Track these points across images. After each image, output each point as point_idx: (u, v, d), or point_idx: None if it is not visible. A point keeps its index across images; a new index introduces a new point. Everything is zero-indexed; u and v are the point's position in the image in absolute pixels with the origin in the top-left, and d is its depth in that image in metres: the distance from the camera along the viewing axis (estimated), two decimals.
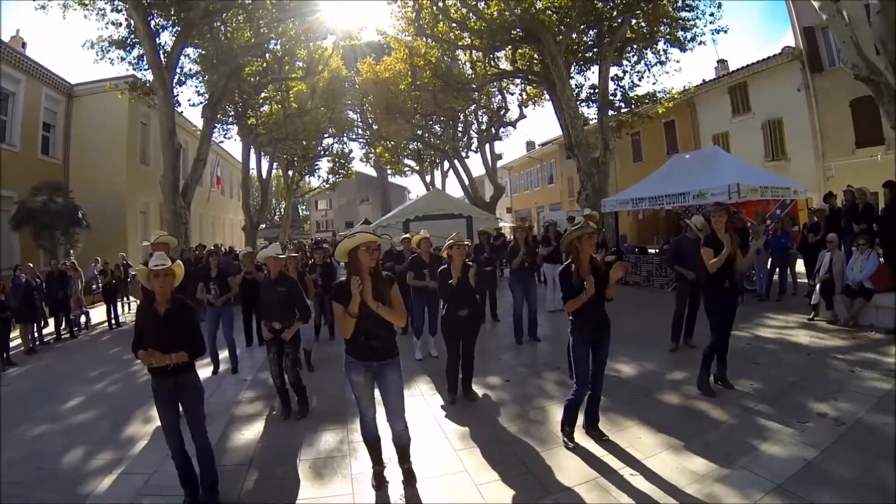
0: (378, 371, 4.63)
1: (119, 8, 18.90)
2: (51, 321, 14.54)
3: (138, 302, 5.31)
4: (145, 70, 20.36)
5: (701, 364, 6.57)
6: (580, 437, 5.47)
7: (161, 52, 18.93)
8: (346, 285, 4.50)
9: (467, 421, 6.28)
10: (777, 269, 12.58)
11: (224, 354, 9.54)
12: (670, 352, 8.63)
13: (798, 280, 12.79)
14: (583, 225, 5.30)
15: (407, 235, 11.69)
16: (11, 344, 12.24)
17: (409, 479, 4.83)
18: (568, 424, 5.47)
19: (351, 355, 4.63)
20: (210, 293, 9.26)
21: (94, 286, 17.75)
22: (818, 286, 9.94)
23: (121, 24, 19.54)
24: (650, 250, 18.21)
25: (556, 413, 5.84)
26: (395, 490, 4.77)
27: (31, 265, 14.12)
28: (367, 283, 4.36)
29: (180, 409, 4.68)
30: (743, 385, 6.63)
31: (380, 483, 4.84)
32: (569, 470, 4.91)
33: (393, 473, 4.94)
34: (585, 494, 4.46)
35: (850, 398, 5.95)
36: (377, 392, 4.74)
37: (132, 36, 19.54)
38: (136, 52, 20.13)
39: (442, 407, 6.89)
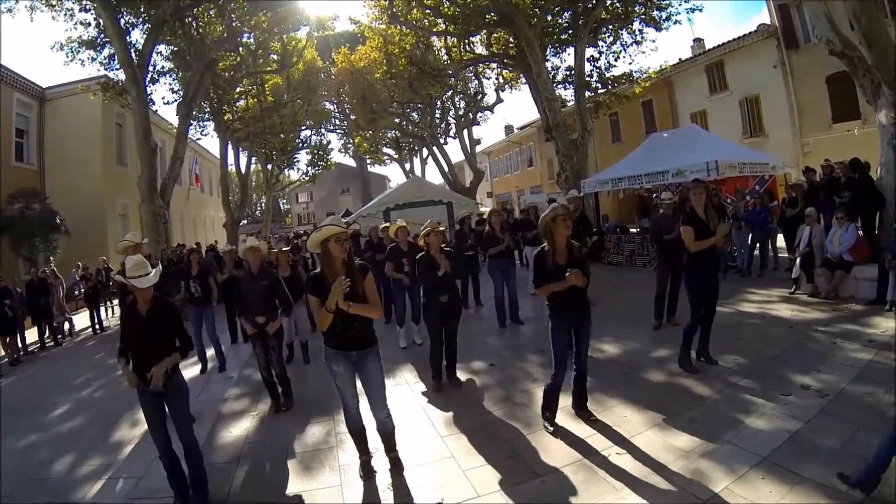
0: (358, 360, 4.61)
1: (87, 7, 18.68)
2: (34, 330, 14.34)
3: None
4: (117, 70, 20.10)
5: (682, 341, 6.60)
6: (566, 418, 5.48)
7: (132, 50, 18.68)
8: (321, 277, 4.51)
9: (452, 407, 6.28)
10: (758, 245, 12.62)
11: (210, 353, 9.50)
12: (654, 330, 8.65)
13: (779, 255, 12.85)
14: (555, 207, 5.26)
15: (385, 225, 11.62)
16: None
17: (396, 467, 4.83)
18: (547, 409, 5.47)
19: (330, 346, 4.61)
20: (192, 291, 9.20)
21: (75, 292, 17.57)
22: (798, 260, 9.99)
23: (90, 24, 19.32)
24: (631, 230, 18.28)
25: (541, 395, 5.78)
26: (383, 480, 4.76)
27: None
28: (340, 284, 4.28)
29: (166, 409, 4.63)
30: (726, 360, 6.65)
31: (367, 473, 4.83)
32: (556, 452, 4.92)
33: (380, 463, 4.93)
34: (573, 475, 4.47)
35: (832, 370, 5.97)
36: (359, 382, 4.72)
37: (102, 35, 19.29)
38: (106, 52, 19.89)
39: (426, 394, 6.89)
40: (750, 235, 12.60)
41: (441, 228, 7.27)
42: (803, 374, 5.91)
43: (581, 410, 5.53)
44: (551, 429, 5.35)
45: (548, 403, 5.46)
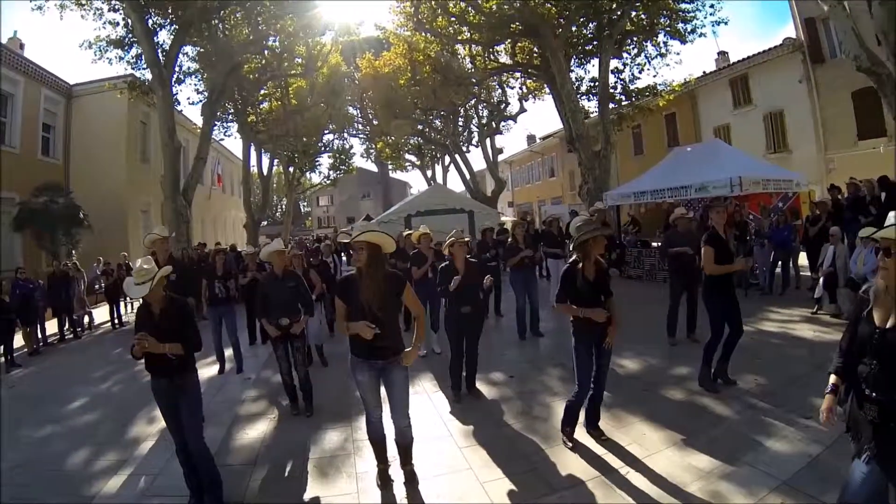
0: (384, 369, 4.60)
1: (116, 7, 18.92)
2: (54, 322, 14.53)
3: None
4: (144, 69, 20.33)
5: (702, 359, 6.56)
6: (584, 434, 5.46)
7: (159, 50, 18.91)
8: (350, 283, 4.55)
9: (471, 418, 6.27)
10: (780, 263, 12.52)
11: (228, 353, 9.56)
12: (671, 346, 8.61)
13: (801, 273, 12.74)
14: (597, 226, 5.25)
15: (408, 231, 11.65)
16: (15, 345, 12.22)
17: (411, 481, 4.83)
18: (568, 425, 5.44)
19: (356, 354, 4.60)
20: (216, 292, 9.27)
21: (96, 286, 17.80)
22: (821, 279, 9.91)
23: (118, 24, 19.53)
24: (652, 244, 18.18)
25: (560, 409, 5.76)
26: (401, 489, 4.77)
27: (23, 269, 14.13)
28: (367, 332, 4.33)
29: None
30: (746, 381, 6.60)
31: (385, 482, 4.84)
32: (574, 467, 4.91)
33: (398, 472, 4.93)
34: (591, 492, 4.46)
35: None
36: (383, 390, 4.72)
37: (130, 35, 19.50)
38: (134, 52, 20.11)
39: (444, 404, 6.88)
40: (772, 253, 12.50)
41: (466, 239, 7.25)
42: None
43: (592, 429, 5.50)
44: (570, 444, 5.33)
45: (569, 419, 5.44)
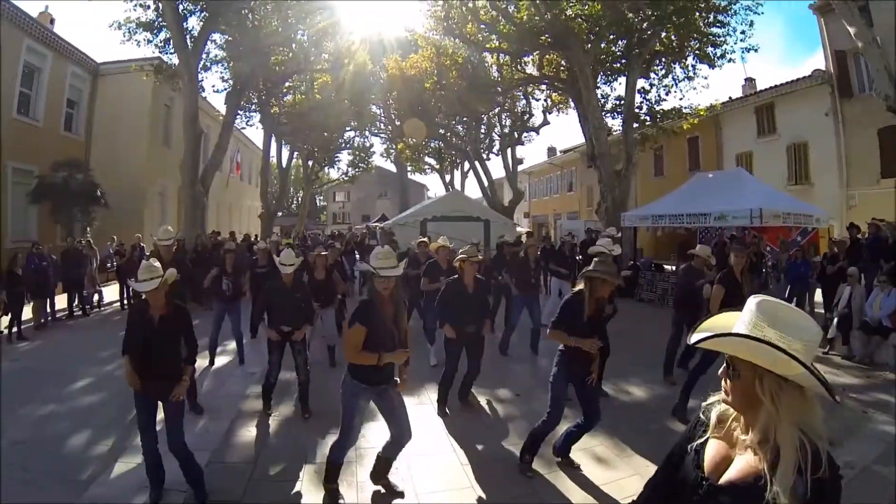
0: (384, 391, 4.64)
1: None
2: (63, 297, 14.62)
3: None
4: (171, 53, 20.45)
5: (683, 386, 6.61)
6: (589, 461, 5.45)
7: (188, 36, 19.05)
8: (371, 307, 4.51)
9: (476, 435, 6.26)
10: (795, 299, 12.35)
11: (231, 346, 9.69)
12: (670, 384, 8.19)
13: (815, 311, 12.58)
14: (611, 270, 5.18)
15: (424, 239, 11.57)
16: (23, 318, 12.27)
17: (389, 489, 4.94)
18: (528, 452, 5.37)
19: (361, 380, 4.57)
20: (224, 288, 9.36)
21: (108, 265, 17.92)
22: (835, 320, 9.81)
23: (149, 7, 19.61)
24: (666, 267, 18.10)
25: (565, 434, 5.78)
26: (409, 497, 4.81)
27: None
28: (400, 358, 4.51)
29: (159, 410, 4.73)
30: None
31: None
32: (574, 494, 4.92)
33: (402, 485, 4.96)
34: None
35: (861, 440, 5.87)
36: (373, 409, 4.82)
37: (160, 19, 19.56)
38: (162, 36, 20.15)
39: (449, 418, 6.84)
40: (788, 288, 12.38)
41: (479, 257, 7.21)
42: (831, 443, 5.75)
43: (564, 458, 5.48)
44: (530, 474, 5.27)
45: (532, 445, 5.36)
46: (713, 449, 1.78)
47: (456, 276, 7.05)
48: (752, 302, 1.69)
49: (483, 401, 7.37)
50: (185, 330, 4.77)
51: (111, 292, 16.98)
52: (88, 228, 19.56)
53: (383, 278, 4.45)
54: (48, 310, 13.48)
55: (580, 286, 5.20)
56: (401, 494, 4.87)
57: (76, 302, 14.81)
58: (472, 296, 6.83)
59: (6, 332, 11.73)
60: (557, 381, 5.22)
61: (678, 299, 8.96)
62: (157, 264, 4.69)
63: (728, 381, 1.73)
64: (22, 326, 11.95)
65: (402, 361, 4.49)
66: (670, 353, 8.49)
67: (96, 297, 15.92)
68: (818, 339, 1.63)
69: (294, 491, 5.03)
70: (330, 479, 4.87)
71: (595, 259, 5.24)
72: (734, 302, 6.23)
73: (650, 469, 5.13)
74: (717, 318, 1.83)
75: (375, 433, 5.74)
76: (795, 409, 1.57)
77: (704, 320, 1.83)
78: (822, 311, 11.89)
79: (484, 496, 4.89)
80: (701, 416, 1.88)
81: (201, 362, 9.10)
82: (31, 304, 12.92)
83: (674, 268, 17.65)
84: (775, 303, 1.67)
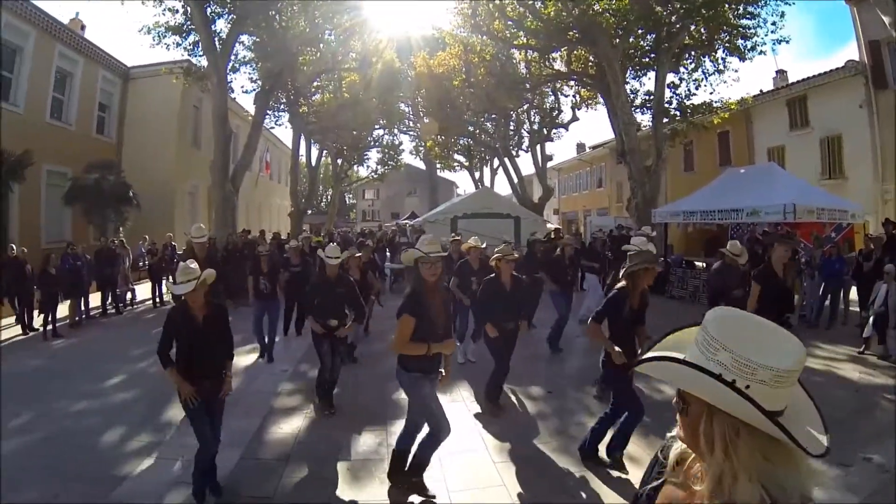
0: (434, 381, 4.72)
1: None
2: (97, 296, 14.92)
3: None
4: (200, 56, 20.83)
5: None
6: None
7: (216, 38, 19.31)
8: (420, 298, 4.57)
9: (507, 433, 6.29)
10: (829, 296, 12.19)
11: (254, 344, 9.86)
12: None
13: (850, 308, 12.42)
14: (650, 258, 5.23)
15: (457, 237, 11.57)
16: (58, 316, 12.47)
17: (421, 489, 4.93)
18: (619, 450, 5.38)
19: (419, 371, 4.62)
20: (262, 287, 9.55)
21: (140, 264, 18.32)
22: (871, 319, 9.61)
23: (177, 11, 19.91)
24: (697, 263, 17.89)
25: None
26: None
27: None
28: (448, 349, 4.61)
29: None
30: None
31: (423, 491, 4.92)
32: (605, 493, 4.92)
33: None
34: None
35: None
36: None
37: (188, 22, 19.88)
38: (191, 39, 20.49)
39: (480, 416, 6.89)
40: (822, 285, 12.17)
41: (515, 255, 7.21)
42: (866, 444, 5.70)
43: (616, 453, 5.43)
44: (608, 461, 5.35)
45: (622, 442, 5.40)
46: (665, 497, 1.45)
47: (493, 275, 7.07)
48: (707, 315, 1.34)
49: (514, 399, 7.37)
50: (225, 324, 4.87)
51: (144, 290, 17.31)
52: (121, 228, 19.84)
53: (430, 264, 4.51)
54: (82, 308, 13.75)
55: (622, 283, 5.26)
56: (432, 497, 4.88)
57: (109, 300, 15.12)
58: (510, 294, 6.86)
59: (41, 329, 12.03)
60: (617, 377, 5.20)
61: (711, 298, 8.92)
62: (194, 265, 4.74)
63: (678, 414, 1.38)
64: (57, 325, 12.17)
65: (451, 352, 4.57)
66: None
67: (129, 295, 16.26)
68: (798, 367, 1.24)
69: (326, 490, 5.06)
70: (395, 471, 4.98)
71: (629, 254, 5.26)
72: (775, 299, 6.16)
73: None
74: (683, 333, 1.45)
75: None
76: (757, 459, 1.21)
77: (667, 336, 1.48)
78: (858, 309, 11.69)
79: (515, 495, 4.91)
80: (659, 454, 1.51)
81: (248, 359, 9.32)
82: (68, 302, 13.17)
83: (704, 265, 17.43)
84: (738, 316, 1.32)
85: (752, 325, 1.29)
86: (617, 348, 5.03)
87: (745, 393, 1.18)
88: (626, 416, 5.28)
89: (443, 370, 4.79)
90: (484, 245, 9.38)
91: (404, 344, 4.53)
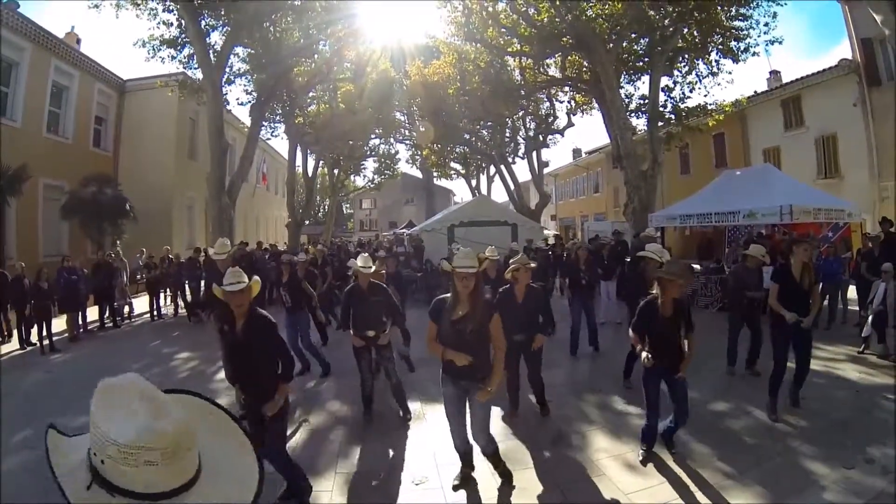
0: (469, 388, 4.76)
1: (170, 8, 19.40)
2: (94, 309, 14.90)
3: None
4: (195, 68, 20.92)
5: (769, 391, 6.67)
6: (618, 469, 5.45)
7: (211, 51, 19.39)
8: (443, 305, 4.78)
9: (506, 440, 6.21)
10: (828, 296, 12.09)
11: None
12: (728, 376, 8.56)
13: (849, 308, 12.37)
14: (683, 271, 5.43)
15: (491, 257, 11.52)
16: (55, 330, 12.43)
17: (506, 478, 5.16)
18: (644, 443, 5.68)
19: (445, 372, 4.83)
20: (283, 301, 9.45)
21: (138, 276, 18.31)
22: (870, 318, 9.58)
23: (172, 24, 20.04)
24: (695, 266, 17.86)
25: (596, 440, 5.99)
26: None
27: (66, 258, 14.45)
28: (463, 360, 4.57)
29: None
30: (787, 422, 6.47)
31: (463, 482, 5.18)
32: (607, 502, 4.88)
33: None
34: None
35: None
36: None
37: (183, 35, 20.00)
38: (186, 51, 20.63)
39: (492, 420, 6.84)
40: (820, 286, 12.11)
41: (532, 265, 7.12)
42: (868, 445, 5.67)
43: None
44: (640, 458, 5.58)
45: (644, 439, 5.68)
46: None
47: (508, 286, 6.96)
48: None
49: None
50: (274, 339, 4.74)
51: (141, 304, 17.28)
52: (118, 241, 19.88)
53: (463, 278, 4.59)
54: (80, 322, 13.73)
55: (654, 290, 5.46)
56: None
57: (107, 314, 15.11)
58: (521, 305, 6.71)
59: (38, 344, 12.01)
60: (647, 381, 5.50)
61: (731, 302, 9.09)
62: (242, 273, 4.79)
63: None
64: (54, 339, 12.15)
65: (463, 363, 4.55)
66: (732, 347, 8.77)
67: (127, 308, 16.23)
68: (153, 443, 1.14)
69: (320, 501, 5.07)
70: (462, 463, 5.22)
71: (665, 260, 5.41)
72: (794, 299, 6.20)
73: (681, 479, 5.13)
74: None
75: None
76: None
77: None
78: (857, 308, 11.66)
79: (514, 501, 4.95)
80: None
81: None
82: (65, 316, 13.17)
83: (699, 266, 17.31)
84: (120, 385, 1.24)
85: (129, 394, 1.21)
86: (646, 353, 5.31)
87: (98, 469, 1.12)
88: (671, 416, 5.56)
89: (486, 385, 4.71)
90: (497, 257, 9.30)
91: (429, 342, 4.87)
